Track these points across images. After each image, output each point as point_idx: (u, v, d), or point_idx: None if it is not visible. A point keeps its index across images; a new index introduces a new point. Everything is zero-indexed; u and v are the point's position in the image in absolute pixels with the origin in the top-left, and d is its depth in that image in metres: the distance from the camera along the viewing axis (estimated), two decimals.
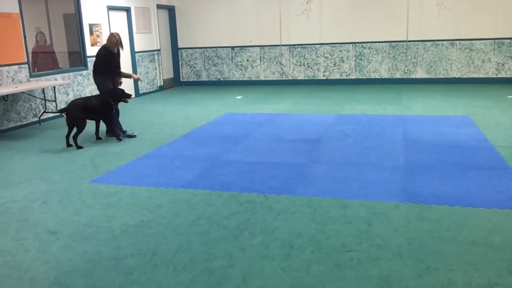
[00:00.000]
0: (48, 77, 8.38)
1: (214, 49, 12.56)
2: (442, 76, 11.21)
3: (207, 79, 12.82)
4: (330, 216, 3.65)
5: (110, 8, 10.03)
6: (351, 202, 3.93)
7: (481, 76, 11.01)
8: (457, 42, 10.97)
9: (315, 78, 11.99)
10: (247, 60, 12.39)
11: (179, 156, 5.60)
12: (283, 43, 12.00)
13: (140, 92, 11.25)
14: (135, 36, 10.90)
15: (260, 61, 12.30)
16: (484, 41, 10.82)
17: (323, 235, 3.33)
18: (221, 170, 4.98)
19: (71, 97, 8.87)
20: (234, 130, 6.93)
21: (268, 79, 12.33)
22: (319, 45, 11.77)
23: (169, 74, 12.80)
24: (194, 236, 3.38)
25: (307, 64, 11.97)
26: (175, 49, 12.83)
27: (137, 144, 6.29)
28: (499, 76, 10.91)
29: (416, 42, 11.18)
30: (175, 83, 13.01)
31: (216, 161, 5.31)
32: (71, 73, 8.98)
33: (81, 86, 9.21)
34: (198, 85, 12.83)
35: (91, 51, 9.35)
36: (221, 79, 12.69)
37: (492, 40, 10.77)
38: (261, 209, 3.84)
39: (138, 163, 5.37)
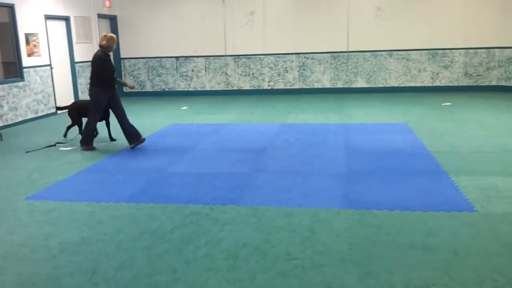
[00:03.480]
0: None
1: (158, 59, 12.41)
2: (381, 85, 11.65)
3: (151, 90, 12.62)
4: (275, 225, 3.68)
5: (48, 17, 9.68)
6: (295, 210, 3.98)
7: (417, 84, 11.54)
8: (395, 52, 11.45)
9: (260, 88, 12.11)
10: (192, 71, 12.32)
11: (122, 169, 5.45)
12: (228, 54, 12.04)
13: None
14: (75, 46, 10.56)
15: (205, 71, 12.27)
16: (419, 51, 11.37)
17: (267, 244, 3.34)
18: (165, 182, 4.90)
19: (6, 110, 8.45)
20: (179, 141, 6.85)
21: (213, 89, 12.31)
22: (264, 56, 11.91)
23: None
24: (137, 252, 3.30)
25: (252, 74, 12.07)
26: (117, 59, 12.55)
27: (77, 157, 6.07)
28: (434, 84, 11.48)
29: (356, 53, 11.57)
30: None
31: (161, 173, 5.22)
32: (5, 85, 8.56)
33: (17, 98, 8.79)
34: (141, 96, 12.59)
35: (28, 61, 8.97)
36: (166, 89, 12.54)
37: (427, 51, 11.33)
38: (207, 221, 3.81)
39: (78, 177, 5.19)
